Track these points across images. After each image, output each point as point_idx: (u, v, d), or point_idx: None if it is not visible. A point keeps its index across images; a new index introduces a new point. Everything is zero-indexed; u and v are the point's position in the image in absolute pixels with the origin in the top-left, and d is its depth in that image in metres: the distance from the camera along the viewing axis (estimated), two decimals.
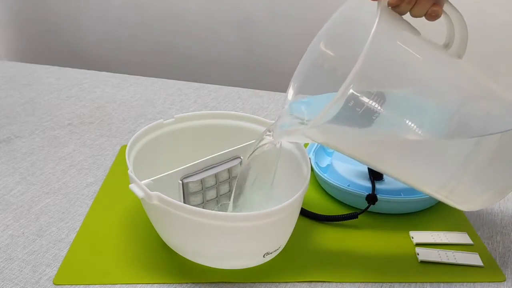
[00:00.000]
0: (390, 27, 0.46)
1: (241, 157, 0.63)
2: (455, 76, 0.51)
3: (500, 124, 0.50)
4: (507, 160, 0.51)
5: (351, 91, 0.43)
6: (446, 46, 0.51)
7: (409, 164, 0.52)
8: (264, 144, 0.55)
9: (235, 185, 0.58)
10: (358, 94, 0.44)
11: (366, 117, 0.46)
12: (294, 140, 0.58)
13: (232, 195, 0.58)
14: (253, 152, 0.55)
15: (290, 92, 0.56)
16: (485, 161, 0.50)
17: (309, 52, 0.56)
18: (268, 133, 0.54)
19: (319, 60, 0.56)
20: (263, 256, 0.53)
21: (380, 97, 0.46)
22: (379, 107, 0.45)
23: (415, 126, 0.48)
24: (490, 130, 0.50)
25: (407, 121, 0.48)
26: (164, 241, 0.57)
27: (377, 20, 0.44)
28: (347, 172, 0.67)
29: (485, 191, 0.53)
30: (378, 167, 0.55)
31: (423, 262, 0.56)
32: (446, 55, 0.51)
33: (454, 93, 0.50)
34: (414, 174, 0.53)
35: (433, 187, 0.52)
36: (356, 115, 0.45)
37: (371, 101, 0.45)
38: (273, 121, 0.55)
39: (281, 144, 0.55)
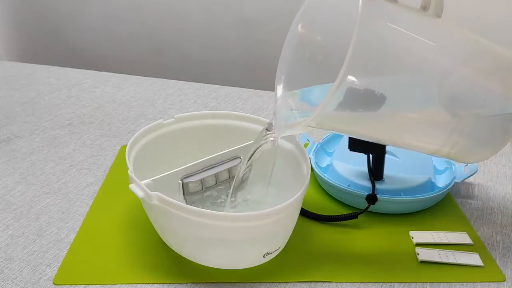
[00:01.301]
0: (372, 3, 0.46)
1: (241, 157, 0.63)
2: (438, 44, 0.51)
3: (485, 102, 0.54)
4: (493, 121, 0.55)
5: (347, 79, 0.44)
6: (424, 8, 0.51)
7: (410, 133, 0.54)
8: (265, 143, 0.55)
9: (232, 185, 0.58)
10: (355, 80, 0.45)
11: (367, 99, 0.46)
12: (296, 132, 0.58)
13: (229, 196, 0.58)
14: (253, 153, 0.55)
15: (279, 86, 0.56)
16: (475, 122, 0.53)
17: (288, 43, 0.56)
18: (267, 132, 0.54)
19: (299, 49, 0.56)
20: (263, 256, 0.53)
21: (376, 79, 0.47)
22: (376, 90, 0.47)
23: (410, 103, 0.50)
24: (475, 109, 0.53)
25: (402, 99, 0.49)
26: (164, 241, 0.57)
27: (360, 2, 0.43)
28: (347, 172, 0.67)
29: (480, 147, 0.56)
30: (379, 141, 0.56)
31: (423, 262, 0.56)
32: (426, 19, 0.51)
33: (437, 64, 0.51)
34: (416, 141, 0.55)
35: (434, 148, 0.54)
36: (356, 98, 0.46)
37: (368, 85, 0.46)
38: (270, 120, 0.55)
39: (278, 141, 0.56)
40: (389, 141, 0.56)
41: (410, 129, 0.53)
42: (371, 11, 0.44)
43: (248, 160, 0.56)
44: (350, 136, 0.61)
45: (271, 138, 0.54)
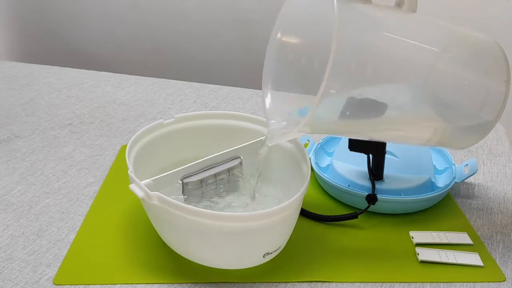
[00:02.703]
0: (347, 7, 0.46)
1: (241, 157, 0.63)
2: (415, 41, 0.52)
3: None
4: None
5: (330, 87, 0.44)
6: (399, 5, 0.51)
7: (401, 131, 0.55)
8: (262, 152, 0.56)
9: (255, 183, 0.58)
10: (339, 88, 0.45)
11: (355, 104, 0.47)
12: (289, 138, 0.59)
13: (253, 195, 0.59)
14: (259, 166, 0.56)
15: (267, 95, 0.57)
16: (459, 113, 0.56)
17: (269, 51, 0.57)
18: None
19: (281, 55, 0.57)
20: (263, 256, 0.53)
21: (359, 84, 0.47)
22: (362, 94, 0.47)
23: (398, 104, 0.51)
24: (455, 117, 0.54)
25: (391, 102, 0.50)
26: (164, 241, 0.57)
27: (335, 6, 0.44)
28: (347, 172, 0.67)
29: (466, 135, 0.58)
30: (372, 138, 0.58)
31: (423, 262, 0.56)
32: (401, 15, 0.51)
33: (417, 62, 0.51)
34: (408, 133, 0.56)
35: (427, 136, 0.55)
36: (342, 104, 0.47)
37: (350, 91, 0.47)
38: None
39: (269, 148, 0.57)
40: (382, 138, 0.57)
41: (400, 128, 0.54)
42: (346, 15, 0.44)
43: (259, 175, 0.57)
44: (342, 136, 0.62)
45: (265, 145, 0.55)
